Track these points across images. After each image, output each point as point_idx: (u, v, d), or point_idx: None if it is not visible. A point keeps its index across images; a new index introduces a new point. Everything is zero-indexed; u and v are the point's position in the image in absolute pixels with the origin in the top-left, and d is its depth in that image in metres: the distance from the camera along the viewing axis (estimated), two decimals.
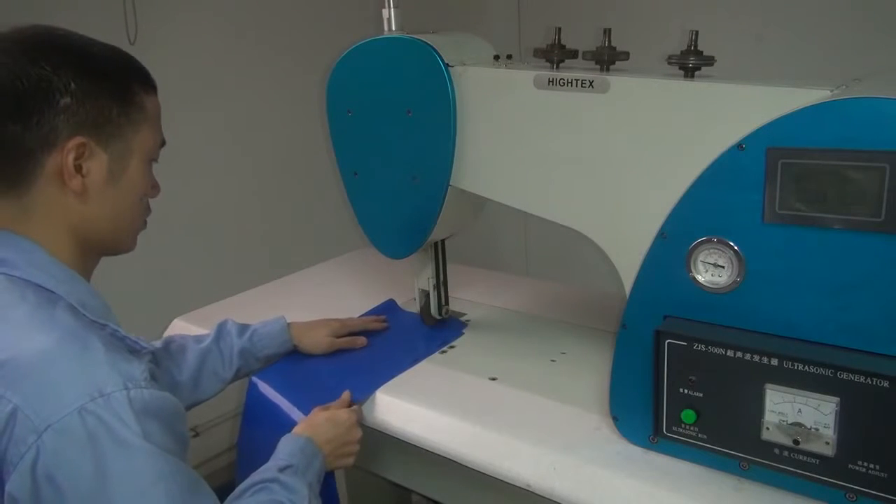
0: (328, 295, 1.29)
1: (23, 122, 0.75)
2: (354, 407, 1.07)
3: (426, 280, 1.26)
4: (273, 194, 2.42)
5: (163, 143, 0.88)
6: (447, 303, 1.29)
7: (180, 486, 0.70)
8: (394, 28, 1.09)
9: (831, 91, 0.76)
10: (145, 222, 0.89)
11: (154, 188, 0.89)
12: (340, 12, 2.49)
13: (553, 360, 1.17)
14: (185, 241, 2.03)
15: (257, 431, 1.14)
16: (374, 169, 1.15)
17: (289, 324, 1.22)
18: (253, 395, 1.16)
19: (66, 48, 0.78)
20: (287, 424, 1.03)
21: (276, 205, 2.43)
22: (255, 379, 1.17)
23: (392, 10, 1.08)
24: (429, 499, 1.25)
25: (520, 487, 0.94)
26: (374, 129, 1.12)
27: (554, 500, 0.91)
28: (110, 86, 0.80)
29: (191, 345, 1.15)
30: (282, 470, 0.90)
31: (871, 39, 1.88)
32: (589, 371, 1.10)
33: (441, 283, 1.27)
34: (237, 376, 1.17)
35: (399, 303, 1.41)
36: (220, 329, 1.18)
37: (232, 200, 2.29)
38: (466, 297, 1.40)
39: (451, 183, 1.08)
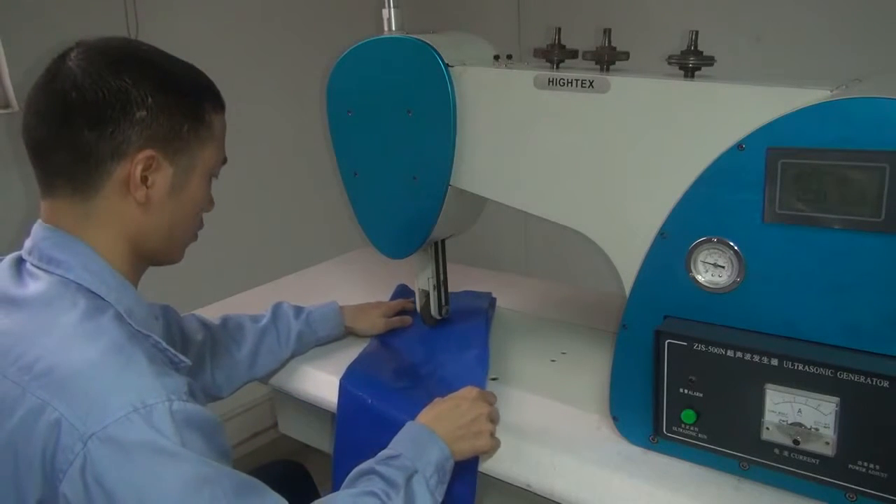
0: (328, 295, 1.29)
1: (99, 131, 0.77)
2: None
3: (426, 280, 1.26)
4: (273, 194, 2.42)
5: (224, 161, 0.90)
6: (447, 303, 1.29)
7: (225, 491, 0.70)
8: (394, 28, 1.09)
9: (831, 91, 0.76)
10: (196, 235, 0.92)
11: (210, 203, 0.91)
12: (340, 12, 2.48)
13: (553, 360, 1.17)
14: None
15: (354, 434, 1.09)
16: (374, 169, 1.15)
17: (340, 307, 1.25)
18: (345, 401, 1.10)
19: (147, 63, 0.81)
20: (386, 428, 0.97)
21: (276, 205, 2.43)
22: (344, 383, 1.11)
23: (392, 10, 1.08)
24: None
25: (520, 487, 0.94)
26: (374, 129, 1.12)
27: (554, 500, 0.91)
28: (184, 103, 0.83)
29: (248, 323, 1.18)
30: (382, 461, 0.87)
31: (871, 39, 1.88)
32: (589, 371, 1.10)
33: (441, 283, 1.27)
34: (291, 357, 1.20)
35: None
36: (277, 310, 1.21)
37: (231, 200, 2.27)
38: None
39: (451, 183, 1.08)
